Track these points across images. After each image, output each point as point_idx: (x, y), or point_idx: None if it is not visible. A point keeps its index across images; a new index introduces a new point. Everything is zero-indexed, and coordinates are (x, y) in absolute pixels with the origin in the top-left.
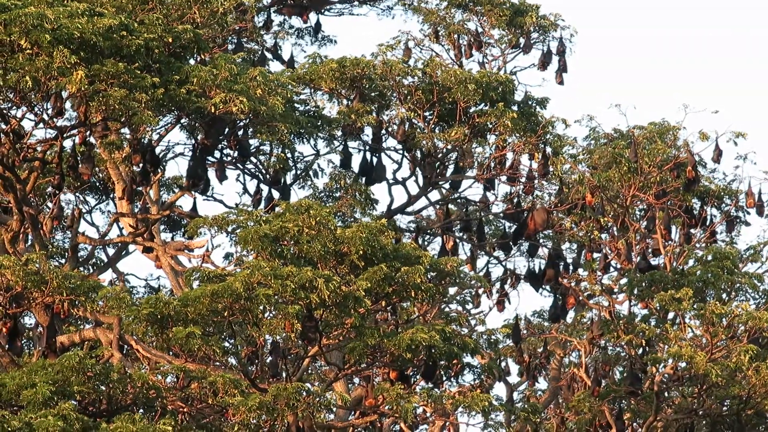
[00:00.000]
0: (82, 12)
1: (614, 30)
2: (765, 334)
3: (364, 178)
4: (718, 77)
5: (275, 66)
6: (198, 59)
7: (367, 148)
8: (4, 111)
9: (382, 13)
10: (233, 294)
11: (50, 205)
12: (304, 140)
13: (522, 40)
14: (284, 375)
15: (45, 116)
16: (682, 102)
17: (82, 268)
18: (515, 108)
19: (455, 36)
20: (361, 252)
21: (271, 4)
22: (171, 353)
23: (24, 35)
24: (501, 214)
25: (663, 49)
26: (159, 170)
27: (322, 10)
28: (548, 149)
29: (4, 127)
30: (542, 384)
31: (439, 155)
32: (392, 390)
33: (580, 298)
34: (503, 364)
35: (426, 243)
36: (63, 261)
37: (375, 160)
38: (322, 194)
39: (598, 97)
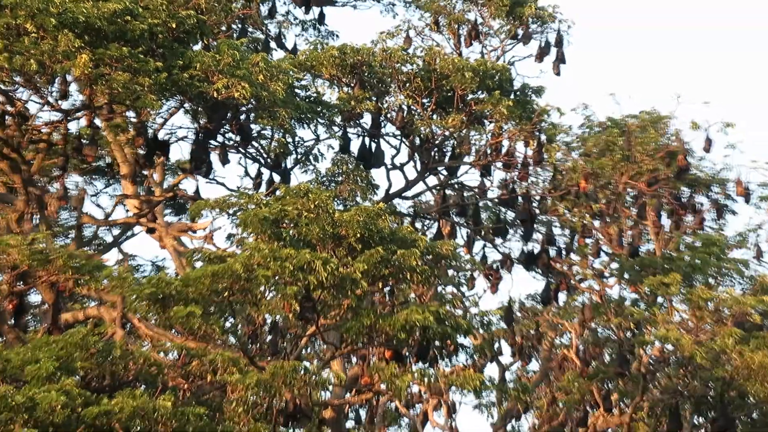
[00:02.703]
0: None
1: (611, 21)
2: (749, 318)
3: (363, 163)
4: (710, 68)
5: (278, 54)
6: (202, 45)
7: (366, 133)
8: (10, 93)
9: (385, 8)
10: (233, 275)
11: (56, 186)
12: (305, 125)
13: (520, 31)
14: (282, 354)
15: (50, 99)
16: (675, 92)
17: (86, 248)
18: (512, 96)
19: (455, 26)
20: (358, 235)
21: None
22: (173, 331)
23: (30, 19)
24: (496, 200)
25: (658, 41)
26: (163, 153)
27: (326, 4)
28: (543, 137)
29: (10, 109)
30: (534, 365)
31: (437, 141)
32: (387, 369)
33: (572, 281)
34: (496, 345)
35: (426, 228)
36: (68, 241)
37: (374, 145)
38: (324, 179)
39: (594, 87)
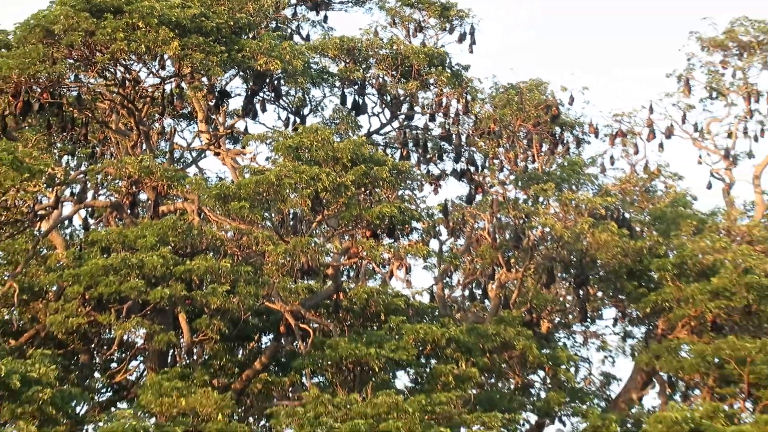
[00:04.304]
0: (177, 5)
1: (507, 16)
2: (598, 211)
3: (354, 112)
4: (574, 48)
5: (297, 39)
6: (250, 36)
7: (356, 93)
8: (128, 66)
9: (366, 12)
10: (269, 182)
11: (156, 125)
12: (316, 87)
13: (447, 25)
14: (300, 233)
15: (153, 69)
16: (553, 66)
17: (175, 165)
18: (449, 70)
19: (406, 23)
20: (349, 157)
21: (296, 3)
22: (230, 218)
23: (141, 19)
24: (437, 136)
25: (539, 29)
26: (228, 97)
27: (328, 9)
28: (469, 97)
29: (128, 76)
30: (461, 241)
31: (401, 98)
32: (368, 243)
33: (485, 188)
34: (437, 228)
35: (392, 154)
36: (164, 160)
37: (360, 101)
38: (328, 121)
39: (496, 61)
